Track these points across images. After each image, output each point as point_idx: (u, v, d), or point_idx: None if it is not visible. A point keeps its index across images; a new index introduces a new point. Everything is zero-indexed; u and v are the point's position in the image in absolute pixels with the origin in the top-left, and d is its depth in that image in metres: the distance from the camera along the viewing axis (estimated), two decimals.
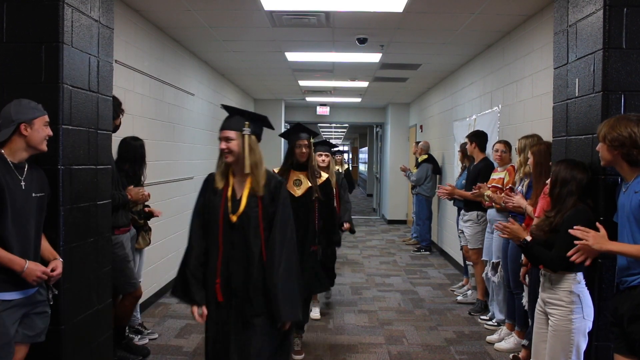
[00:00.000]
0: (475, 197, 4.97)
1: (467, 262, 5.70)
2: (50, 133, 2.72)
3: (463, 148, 6.11)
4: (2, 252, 2.50)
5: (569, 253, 2.60)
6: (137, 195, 4.06)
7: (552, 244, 2.79)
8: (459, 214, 6.23)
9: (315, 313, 5.26)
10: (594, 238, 2.48)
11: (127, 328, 4.32)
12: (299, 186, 4.04)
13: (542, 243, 2.85)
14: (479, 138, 5.49)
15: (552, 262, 2.77)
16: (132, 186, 4.07)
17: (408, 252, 8.91)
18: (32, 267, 2.57)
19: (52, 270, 2.67)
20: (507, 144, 4.91)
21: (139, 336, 4.44)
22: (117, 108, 3.86)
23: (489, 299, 5.22)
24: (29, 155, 2.67)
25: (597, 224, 2.56)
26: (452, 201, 6.41)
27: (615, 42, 2.99)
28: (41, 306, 2.71)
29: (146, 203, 4.40)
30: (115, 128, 3.95)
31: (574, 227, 2.54)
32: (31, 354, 2.74)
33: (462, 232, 5.60)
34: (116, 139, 4.02)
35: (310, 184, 4.04)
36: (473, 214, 5.38)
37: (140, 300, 5.15)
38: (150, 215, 4.45)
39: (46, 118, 2.70)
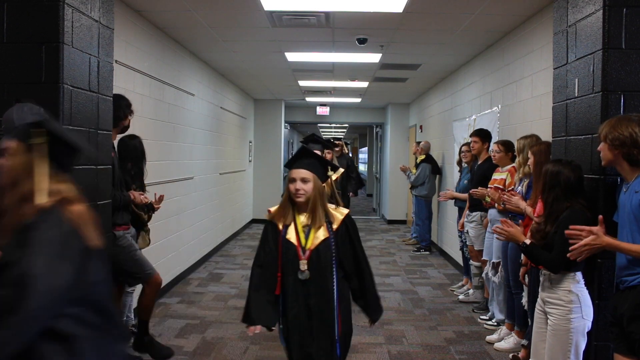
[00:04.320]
0: (477, 197, 4.98)
1: (471, 262, 5.69)
2: None
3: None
4: None
5: (571, 249, 2.59)
6: (139, 199, 4.07)
7: (551, 245, 2.80)
8: (459, 214, 6.24)
9: None
10: (591, 242, 2.48)
11: None
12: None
13: (542, 245, 2.86)
14: (489, 137, 5.47)
15: (552, 263, 2.78)
16: (133, 190, 4.08)
17: (408, 252, 8.91)
18: None
19: None
20: (502, 145, 4.90)
21: (134, 338, 4.43)
22: (126, 109, 3.85)
23: (488, 299, 5.22)
24: None
25: (600, 217, 2.56)
26: (454, 201, 6.42)
27: (614, 43, 3.00)
28: None
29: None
30: (124, 129, 3.95)
31: (570, 226, 2.55)
32: None
33: (468, 232, 5.59)
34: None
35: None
36: (477, 215, 5.37)
37: None
38: (152, 206, 4.43)
39: None
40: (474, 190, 4.96)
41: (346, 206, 5.33)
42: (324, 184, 3.59)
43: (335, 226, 2.77)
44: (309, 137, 5.00)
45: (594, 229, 2.51)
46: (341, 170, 5.56)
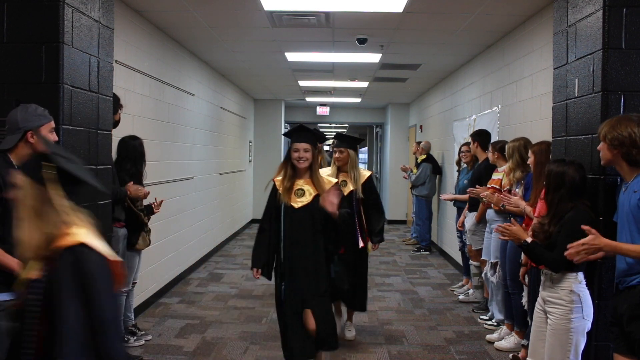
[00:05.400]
0: (473, 196, 4.98)
1: (471, 262, 5.70)
2: (56, 138, 2.76)
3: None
4: (8, 257, 2.53)
5: (569, 246, 2.57)
6: (136, 192, 4.07)
7: (554, 244, 2.79)
8: (458, 214, 6.24)
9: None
10: (590, 245, 2.47)
11: (122, 329, 4.33)
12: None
13: (545, 245, 2.85)
14: (481, 137, 5.49)
15: (553, 263, 2.77)
16: (132, 182, 4.08)
17: (408, 252, 8.91)
18: None
19: None
20: (493, 146, 4.92)
21: (134, 337, 4.43)
22: (115, 104, 3.88)
23: (488, 299, 5.22)
24: None
25: (586, 227, 2.54)
26: (453, 202, 6.43)
27: (614, 43, 3.00)
28: None
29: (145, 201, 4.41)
30: (115, 123, 3.96)
31: (567, 246, 2.51)
32: None
33: (467, 231, 5.59)
34: (115, 137, 4.03)
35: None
36: (475, 215, 5.38)
37: (140, 301, 5.17)
38: (151, 209, 4.45)
39: (52, 124, 2.72)
40: (471, 189, 4.97)
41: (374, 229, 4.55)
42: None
43: (55, 263, 1.61)
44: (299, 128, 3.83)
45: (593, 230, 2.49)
46: (367, 174, 4.64)
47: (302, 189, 3.48)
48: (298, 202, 3.46)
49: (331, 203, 3.26)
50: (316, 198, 3.43)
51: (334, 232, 3.49)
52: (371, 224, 4.53)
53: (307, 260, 3.46)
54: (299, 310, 3.44)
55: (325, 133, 5.83)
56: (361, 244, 4.51)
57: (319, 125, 17.24)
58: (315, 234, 3.46)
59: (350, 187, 4.42)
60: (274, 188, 3.57)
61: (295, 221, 3.46)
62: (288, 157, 3.52)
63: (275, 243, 3.52)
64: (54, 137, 2.72)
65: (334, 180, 3.68)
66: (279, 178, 3.54)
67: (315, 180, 3.49)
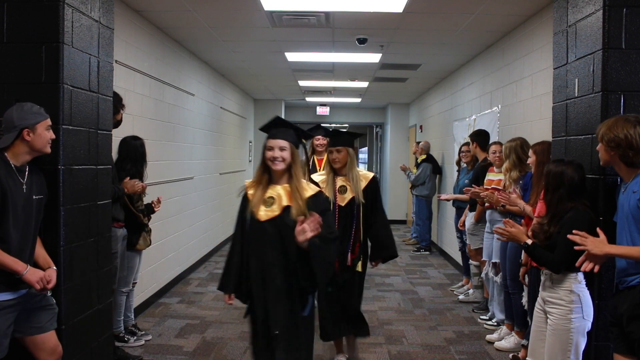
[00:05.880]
0: (472, 196, 4.97)
1: (471, 262, 5.69)
2: (53, 136, 2.75)
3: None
4: (6, 256, 2.52)
5: (577, 264, 2.58)
6: (133, 188, 4.06)
7: (554, 245, 2.79)
8: (457, 214, 6.24)
9: None
10: (592, 243, 2.47)
11: (122, 329, 4.33)
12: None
13: (545, 245, 2.85)
14: (479, 137, 5.49)
15: (553, 264, 2.78)
16: (128, 178, 4.07)
17: (408, 252, 8.91)
18: (32, 271, 2.61)
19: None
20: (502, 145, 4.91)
21: (134, 338, 4.43)
22: (117, 103, 3.88)
23: (488, 299, 5.22)
24: (32, 158, 2.69)
25: (598, 229, 2.56)
26: (452, 201, 6.43)
27: (614, 43, 2.99)
28: (41, 300, 2.74)
29: (145, 200, 4.41)
30: (117, 123, 3.97)
31: (573, 231, 2.54)
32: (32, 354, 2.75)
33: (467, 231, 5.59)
34: (116, 138, 4.03)
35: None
36: (474, 215, 5.37)
37: (140, 301, 5.17)
38: (151, 208, 4.45)
39: (48, 122, 2.71)
40: (468, 189, 4.95)
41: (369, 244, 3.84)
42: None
43: None
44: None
45: (598, 238, 2.50)
46: (369, 175, 3.91)
47: (273, 197, 2.74)
48: (264, 214, 2.72)
49: (303, 232, 2.54)
50: (286, 210, 2.70)
51: (306, 263, 2.67)
52: (380, 239, 3.89)
53: (276, 286, 2.72)
54: (267, 346, 2.76)
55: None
56: (349, 261, 3.81)
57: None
58: (287, 255, 2.69)
59: (350, 194, 3.75)
60: (246, 195, 2.85)
61: (262, 237, 2.72)
62: (264, 158, 2.77)
63: (244, 263, 2.81)
64: (51, 134, 2.71)
65: (316, 189, 2.82)
66: (253, 182, 2.84)
67: (293, 187, 2.73)
